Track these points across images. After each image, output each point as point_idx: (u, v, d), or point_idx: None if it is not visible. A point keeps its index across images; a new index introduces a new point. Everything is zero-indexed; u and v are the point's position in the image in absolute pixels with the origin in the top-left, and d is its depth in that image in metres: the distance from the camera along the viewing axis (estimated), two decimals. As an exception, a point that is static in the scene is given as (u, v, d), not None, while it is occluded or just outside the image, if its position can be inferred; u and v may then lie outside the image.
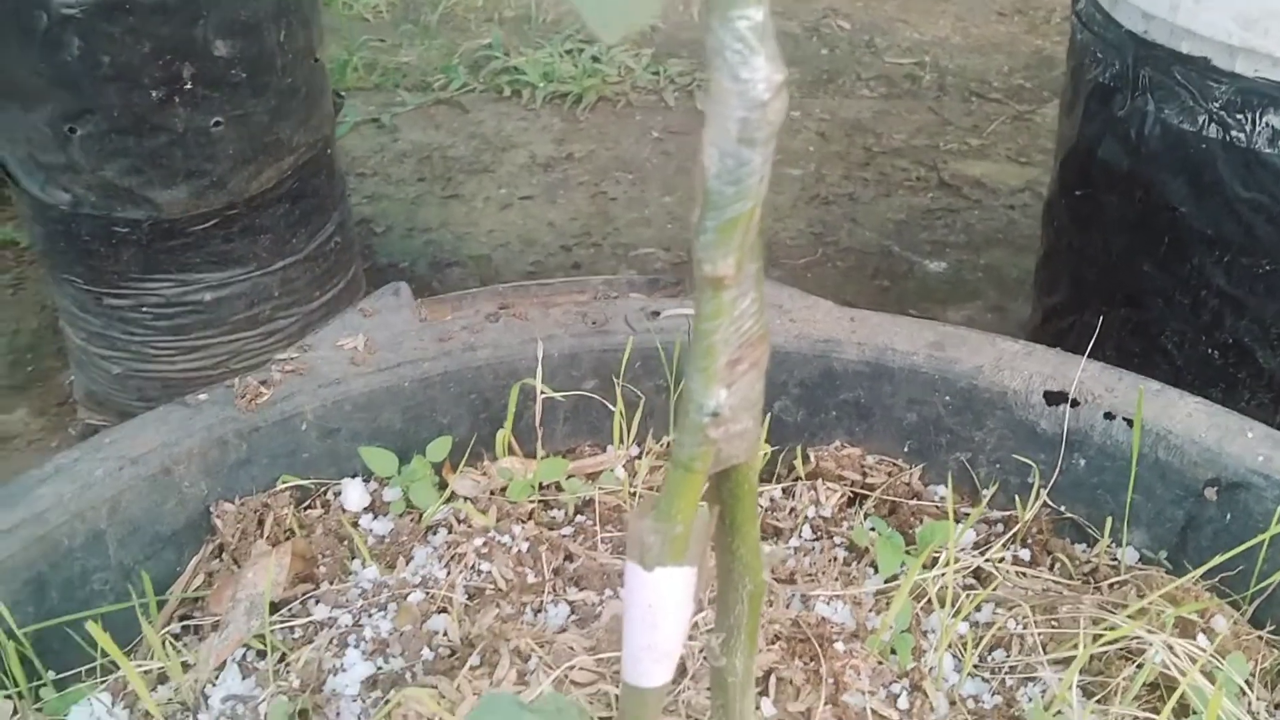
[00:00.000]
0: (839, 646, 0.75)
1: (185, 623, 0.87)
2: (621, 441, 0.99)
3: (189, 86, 1.37)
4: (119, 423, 1.68)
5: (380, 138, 2.49)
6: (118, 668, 0.81)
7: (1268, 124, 1.10)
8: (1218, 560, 0.86)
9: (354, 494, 0.95)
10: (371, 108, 2.58)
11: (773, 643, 0.74)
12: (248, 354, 1.65)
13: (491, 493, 0.95)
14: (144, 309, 1.56)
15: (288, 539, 0.91)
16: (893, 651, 0.79)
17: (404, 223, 2.23)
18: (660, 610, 0.53)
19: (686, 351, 1.00)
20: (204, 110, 1.41)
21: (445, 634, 0.78)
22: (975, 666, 0.79)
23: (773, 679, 0.72)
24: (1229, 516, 0.88)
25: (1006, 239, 2.23)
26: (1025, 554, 0.92)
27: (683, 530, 0.51)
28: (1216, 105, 1.13)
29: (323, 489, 0.96)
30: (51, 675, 0.79)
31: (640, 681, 0.55)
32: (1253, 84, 1.10)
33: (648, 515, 0.52)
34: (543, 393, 0.97)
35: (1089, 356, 0.96)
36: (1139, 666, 0.77)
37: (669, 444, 1.01)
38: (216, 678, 0.77)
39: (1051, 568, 0.91)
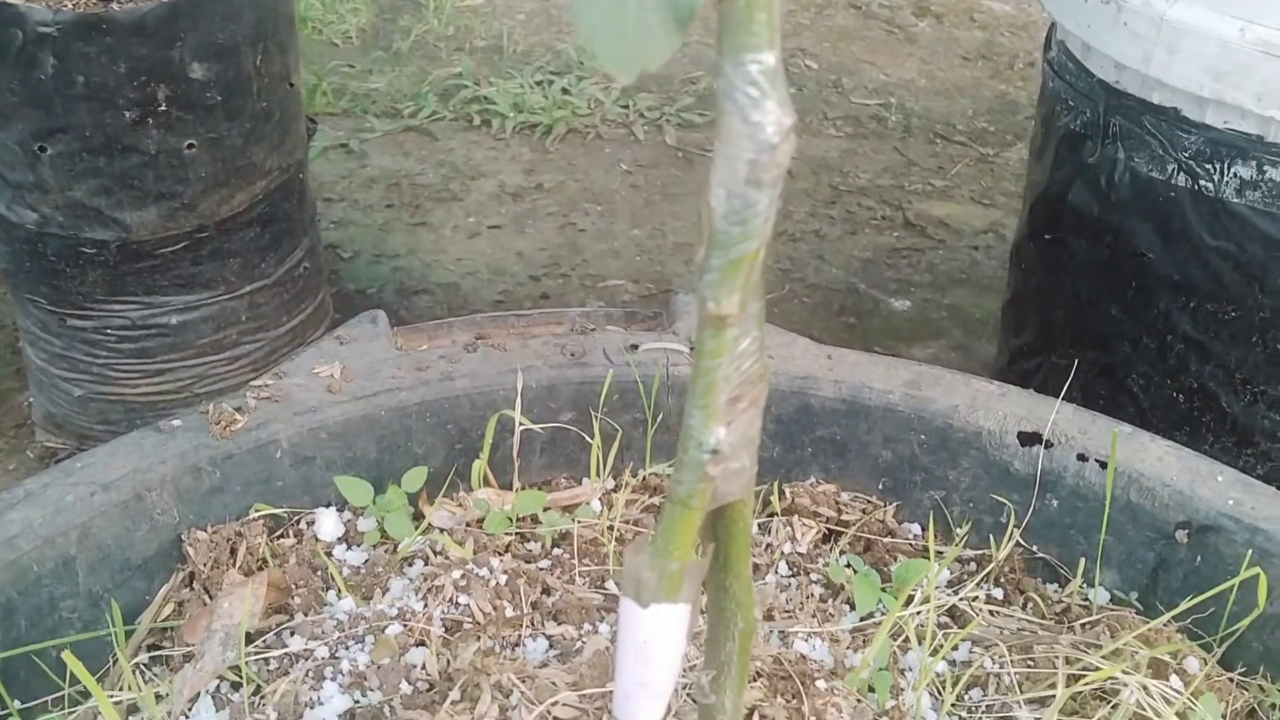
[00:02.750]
0: (820, 684, 0.75)
1: (153, 653, 0.86)
2: (598, 475, 0.99)
3: (163, 108, 1.36)
4: (78, 446, 1.67)
5: (348, 163, 2.48)
6: (86, 697, 0.79)
7: (1235, 174, 1.13)
8: (1189, 603, 0.87)
9: (328, 524, 0.94)
10: (340, 133, 2.57)
11: (754, 680, 0.74)
12: (212, 378, 1.64)
13: (468, 524, 0.94)
14: (108, 331, 1.54)
15: (260, 569, 0.90)
16: (871, 690, 0.79)
17: (371, 249, 2.22)
18: (654, 647, 0.52)
19: (673, 386, 1.00)
20: (178, 132, 1.40)
21: (424, 667, 0.77)
22: (953, 705, 0.80)
23: (756, 717, 0.72)
24: (1199, 559, 0.90)
25: (970, 279, 2.25)
26: (999, 593, 0.93)
27: (679, 567, 0.51)
28: (1186, 155, 1.15)
29: (296, 518, 0.95)
30: (18, 705, 0.77)
31: (632, 718, 0.54)
32: (1222, 135, 1.13)
33: (643, 551, 0.52)
34: (521, 424, 0.96)
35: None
36: (1114, 707, 0.77)
37: (645, 478, 1.01)
38: (190, 709, 0.76)
39: (1024, 607, 0.92)
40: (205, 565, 0.89)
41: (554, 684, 0.72)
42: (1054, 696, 0.77)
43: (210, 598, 0.87)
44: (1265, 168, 1.12)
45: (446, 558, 0.89)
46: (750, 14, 0.40)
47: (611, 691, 0.72)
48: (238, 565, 0.90)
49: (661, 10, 0.40)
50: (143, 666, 0.83)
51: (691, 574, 0.52)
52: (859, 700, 0.76)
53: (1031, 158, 1.46)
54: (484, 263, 2.20)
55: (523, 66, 2.85)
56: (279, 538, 0.94)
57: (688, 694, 0.71)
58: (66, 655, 0.68)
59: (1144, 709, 0.76)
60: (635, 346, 1.03)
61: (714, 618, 0.57)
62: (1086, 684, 0.78)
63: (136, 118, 1.35)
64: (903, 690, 0.80)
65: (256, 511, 0.93)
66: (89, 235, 1.44)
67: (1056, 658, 0.81)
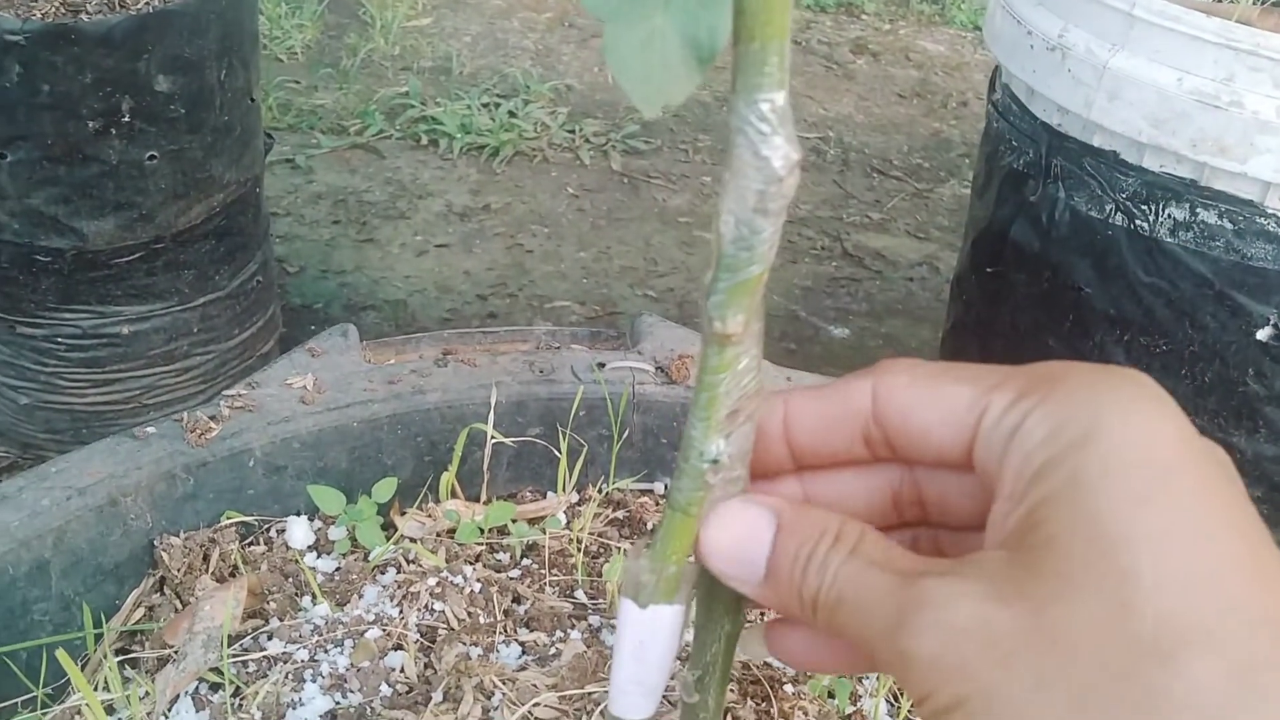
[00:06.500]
0: (788, 689, 0.78)
1: (120, 657, 0.86)
2: (564, 489, 1.02)
3: (127, 119, 1.37)
4: (21, 455, 1.65)
5: (294, 179, 2.49)
6: (55, 700, 0.80)
7: (1169, 215, 1.19)
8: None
9: (298, 532, 0.96)
10: (286, 148, 2.57)
11: (725, 685, 0.77)
12: (161, 389, 1.64)
13: (438, 534, 0.96)
14: (58, 339, 1.54)
15: (232, 575, 0.91)
16: (831, 695, 0.83)
17: (318, 264, 2.23)
18: (651, 646, 0.55)
19: (639, 405, 1.03)
20: (139, 143, 1.40)
21: (402, 670, 0.79)
22: (909, 713, 0.84)
23: (729, 718, 0.75)
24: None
25: (905, 310, 2.32)
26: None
27: (676, 570, 0.54)
28: (1123, 196, 1.22)
29: (266, 526, 0.97)
30: (-8, 705, 0.78)
31: (626, 714, 0.57)
32: (1158, 178, 1.20)
33: (643, 555, 0.55)
34: (492, 437, 0.99)
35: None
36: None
37: (609, 493, 1.04)
38: (169, 710, 0.77)
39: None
40: (178, 571, 0.90)
41: (535, 686, 0.74)
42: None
43: (182, 603, 0.88)
44: (1198, 210, 1.19)
45: (419, 566, 0.91)
46: (765, 56, 0.43)
47: (589, 693, 0.75)
48: (210, 571, 0.91)
49: (685, 50, 0.43)
50: (114, 668, 0.83)
51: (687, 578, 0.55)
52: (822, 705, 0.80)
53: (974, 194, 1.52)
54: (431, 281, 2.22)
55: (470, 88, 2.88)
56: (249, 545, 0.95)
57: (665, 695, 0.74)
58: (61, 656, 0.70)
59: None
60: (602, 365, 1.06)
61: (702, 620, 0.60)
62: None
63: (99, 128, 1.36)
64: (860, 697, 0.84)
65: (228, 519, 0.94)
66: (44, 243, 1.44)
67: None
